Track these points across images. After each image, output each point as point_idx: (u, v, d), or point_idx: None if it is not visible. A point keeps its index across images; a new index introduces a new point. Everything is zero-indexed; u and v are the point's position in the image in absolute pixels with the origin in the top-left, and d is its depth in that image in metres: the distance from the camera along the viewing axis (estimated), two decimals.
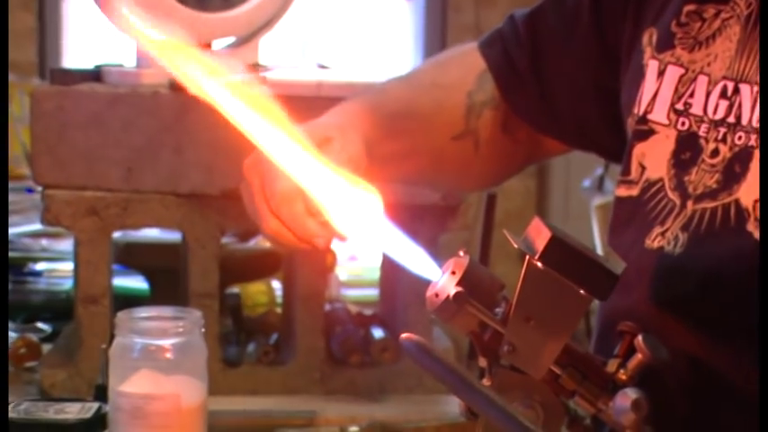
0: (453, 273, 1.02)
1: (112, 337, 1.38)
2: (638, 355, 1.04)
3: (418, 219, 1.58)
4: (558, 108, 1.36)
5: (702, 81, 1.18)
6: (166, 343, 1.35)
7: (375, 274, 1.89)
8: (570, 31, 1.33)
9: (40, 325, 1.91)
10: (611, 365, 1.06)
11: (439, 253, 1.08)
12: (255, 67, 1.72)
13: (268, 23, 1.75)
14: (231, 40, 1.76)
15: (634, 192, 1.21)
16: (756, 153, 1.11)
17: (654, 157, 1.20)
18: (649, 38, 1.23)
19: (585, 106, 1.34)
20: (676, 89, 1.20)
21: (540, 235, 1.00)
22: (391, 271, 1.74)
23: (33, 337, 1.78)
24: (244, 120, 1.04)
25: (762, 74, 1.07)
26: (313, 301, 1.66)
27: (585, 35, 1.32)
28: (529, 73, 1.36)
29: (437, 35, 4.59)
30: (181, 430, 1.35)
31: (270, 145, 1.05)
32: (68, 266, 1.92)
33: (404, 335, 0.97)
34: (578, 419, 1.05)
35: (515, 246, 1.02)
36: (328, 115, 1.28)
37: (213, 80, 1.05)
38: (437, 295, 1.02)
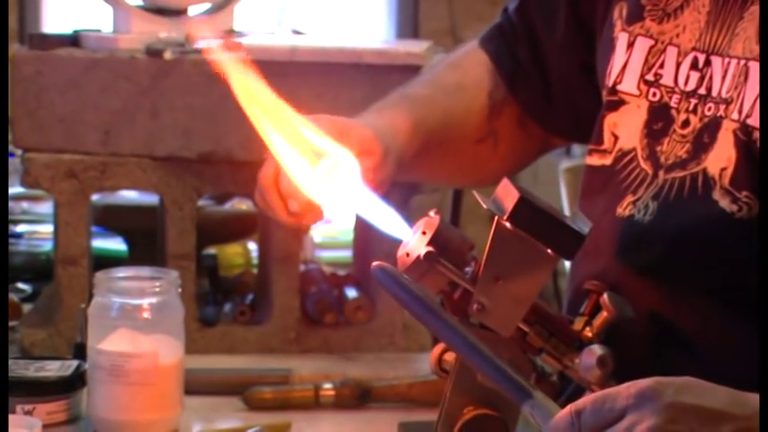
0: (424, 233, 1.02)
1: (91, 296, 1.38)
2: (604, 313, 1.05)
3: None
4: (556, 97, 1.36)
5: (672, 52, 1.18)
6: (144, 302, 1.35)
7: (349, 235, 1.89)
8: (554, 15, 1.34)
9: (20, 285, 1.90)
10: (578, 323, 1.06)
11: (411, 214, 1.08)
12: (230, 33, 1.71)
13: None
14: (207, 6, 1.75)
15: (607, 161, 1.21)
16: (724, 123, 1.11)
17: (626, 127, 1.20)
18: (620, 11, 1.23)
19: (579, 91, 1.33)
20: (646, 60, 1.20)
21: (508, 196, 1.01)
22: (364, 232, 1.74)
23: (14, 297, 1.78)
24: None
25: (762, 72, 1.07)
26: (288, 262, 1.66)
27: (566, 19, 1.33)
28: (530, 63, 1.36)
29: (410, 2, 4.57)
30: (158, 387, 1.35)
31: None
32: (48, 228, 1.92)
33: (375, 263, 0.97)
34: (545, 376, 1.05)
35: (485, 206, 1.02)
36: (378, 117, 1.28)
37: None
38: (408, 255, 1.02)
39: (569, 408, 0.91)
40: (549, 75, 1.36)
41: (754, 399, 0.91)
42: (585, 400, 0.91)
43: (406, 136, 1.29)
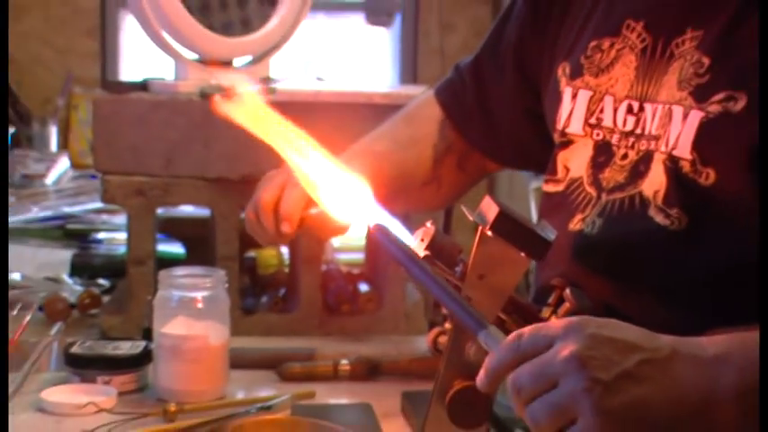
0: (422, 240, 1.01)
1: (156, 290, 1.37)
2: (567, 304, 1.04)
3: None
4: (500, 134, 1.37)
5: (609, 100, 1.17)
6: (198, 295, 1.35)
7: (362, 241, 1.88)
8: (501, 71, 1.35)
9: (100, 281, 1.90)
10: (545, 312, 1.05)
11: (411, 225, 1.07)
12: (267, 80, 1.71)
13: (277, 45, 1.74)
14: (248, 58, 1.75)
15: (560, 188, 1.21)
16: (656, 155, 1.11)
17: (576, 161, 1.20)
18: (563, 70, 1.23)
19: (522, 129, 1.34)
20: (588, 107, 1.19)
21: (490, 210, 1.00)
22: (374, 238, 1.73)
23: (95, 291, 1.77)
24: (275, 135, 1.04)
25: (762, 73, 1.04)
26: (313, 262, 1.65)
27: (513, 74, 1.34)
28: (475, 107, 1.37)
29: (410, 55, 4.57)
30: (209, 363, 1.35)
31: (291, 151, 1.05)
32: (122, 236, 1.91)
33: (373, 224, 0.97)
34: None
35: (471, 218, 1.02)
36: (351, 163, 1.27)
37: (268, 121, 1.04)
38: None
39: (514, 333, 0.89)
40: (494, 117, 1.37)
41: (665, 338, 0.89)
42: (526, 328, 0.89)
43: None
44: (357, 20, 4.61)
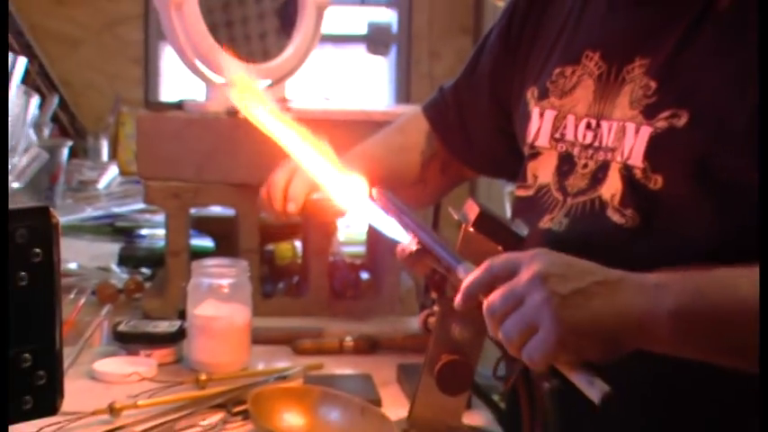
0: None
1: (189, 278, 1.37)
2: None
3: None
4: (477, 148, 1.37)
5: (571, 118, 1.17)
6: (224, 282, 1.34)
7: (363, 236, 1.87)
8: (477, 96, 1.35)
9: (143, 270, 1.89)
10: None
11: None
12: (283, 100, 1.70)
13: (292, 71, 1.74)
14: (268, 82, 1.74)
15: (530, 192, 1.20)
16: (612, 164, 1.10)
17: (543, 170, 1.19)
18: (532, 93, 1.22)
19: (495, 144, 1.34)
20: (553, 124, 1.18)
21: (472, 210, 1.00)
22: (374, 234, 1.72)
23: (139, 278, 1.76)
24: (280, 134, 1.04)
25: (762, 74, 1.01)
26: (322, 254, 1.65)
27: (488, 99, 1.33)
28: (456, 125, 1.38)
29: (404, 79, 4.57)
30: (234, 340, 1.34)
31: (295, 150, 1.04)
32: (161, 232, 1.91)
33: (375, 190, 0.99)
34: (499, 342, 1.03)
35: (456, 217, 1.01)
36: (350, 164, 1.27)
37: (263, 108, 1.04)
38: (404, 250, 1.01)
39: (487, 260, 0.90)
40: (471, 134, 1.37)
41: (615, 270, 0.90)
42: (500, 255, 0.91)
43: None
44: (359, 50, 4.60)
